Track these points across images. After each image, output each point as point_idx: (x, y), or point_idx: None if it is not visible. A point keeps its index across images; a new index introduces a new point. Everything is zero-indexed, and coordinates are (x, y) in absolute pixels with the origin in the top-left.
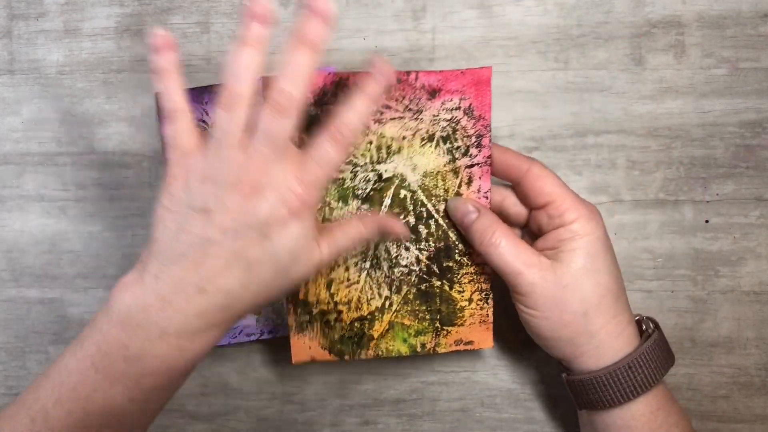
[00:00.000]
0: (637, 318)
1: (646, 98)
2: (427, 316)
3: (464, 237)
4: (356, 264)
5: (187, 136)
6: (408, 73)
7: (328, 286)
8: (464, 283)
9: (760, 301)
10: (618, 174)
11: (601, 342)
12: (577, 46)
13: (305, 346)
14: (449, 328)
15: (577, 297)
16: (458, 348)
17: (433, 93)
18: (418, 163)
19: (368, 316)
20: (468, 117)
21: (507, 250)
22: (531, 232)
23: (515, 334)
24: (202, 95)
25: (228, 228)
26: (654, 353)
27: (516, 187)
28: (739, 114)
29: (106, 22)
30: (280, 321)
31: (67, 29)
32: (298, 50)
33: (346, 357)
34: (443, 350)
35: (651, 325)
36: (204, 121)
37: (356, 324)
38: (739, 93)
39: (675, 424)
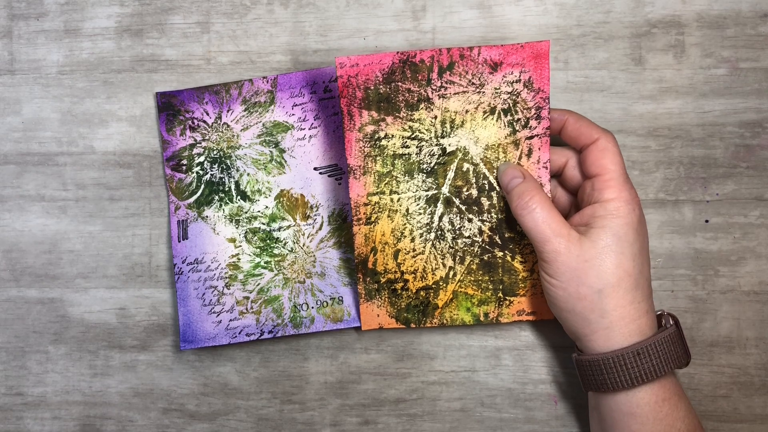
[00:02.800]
0: (659, 312)
1: (646, 98)
2: (490, 286)
3: None
4: (421, 235)
5: None
6: (471, 48)
7: (395, 255)
8: (526, 254)
9: (760, 301)
10: None
11: (612, 324)
12: (577, 46)
13: (374, 313)
14: (512, 298)
15: (595, 273)
16: (521, 318)
17: (494, 66)
18: (480, 136)
19: (433, 286)
20: (528, 89)
21: (540, 215)
22: (578, 206)
23: (516, 334)
24: (202, 94)
25: None
26: (665, 346)
27: (580, 153)
28: (739, 114)
29: (106, 22)
30: (280, 321)
31: (67, 29)
32: None
33: (412, 325)
34: (506, 320)
35: (671, 320)
36: (204, 121)
37: (422, 293)
38: (739, 93)
39: (681, 419)
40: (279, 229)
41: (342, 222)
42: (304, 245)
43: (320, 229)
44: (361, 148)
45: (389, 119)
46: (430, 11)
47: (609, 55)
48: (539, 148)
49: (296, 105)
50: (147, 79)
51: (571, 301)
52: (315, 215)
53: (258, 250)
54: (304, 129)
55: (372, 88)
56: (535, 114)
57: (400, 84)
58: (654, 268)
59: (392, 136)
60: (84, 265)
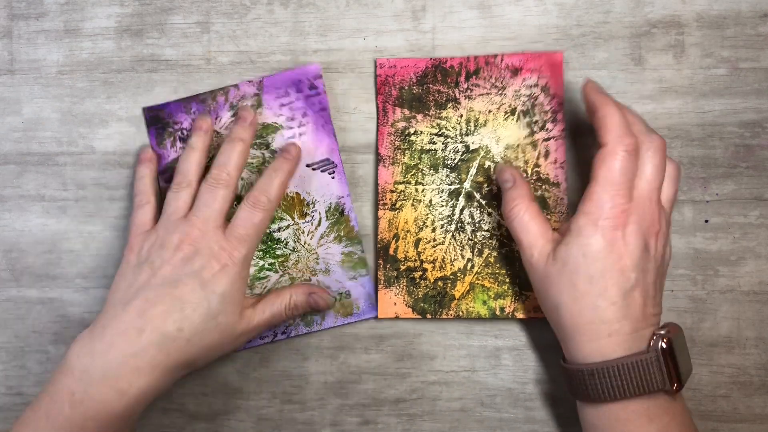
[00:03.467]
0: (660, 331)
1: (646, 98)
2: (507, 280)
3: None
4: (442, 226)
5: (149, 220)
6: (495, 56)
7: (416, 244)
8: None
9: (760, 301)
10: None
11: (568, 338)
12: (577, 46)
13: (391, 302)
14: (528, 293)
15: (555, 289)
16: (537, 315)
17: (515, 71)
18: (501, 136)
19: (451, 276)
20: (545, 94)
21: (521, 223)
22: None
23: (516, 334)
24: (189, 105)
25: (168, 276)
26: (628, 372)
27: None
28: (739, 114)
29: (106, 22)
30: (292, 321)
31: (67, 29)
32: (229, 144)
33: (428, 315)
34: (522, 316)
35: (663, 343)
36: None
37: (439, 283)
38: (739, 93)
39: None
40: (278, 230)
41: (340, 215)
42: (305, 243)
43: (319, 225)
44: (392, 141)
45: (419, 117)
46: (430, 11)
47: (609, 55)
48: (555, 150)
49: (283, 105)
50: (147, 79)
51: (543, 309)
52: (312, 212)
53: (260, 252)
54: (293, 128)
55: (406, 88)
56: (551, 117)
57: (431, 86)
58: None
59: (421, 132)
60: (84, 265)
